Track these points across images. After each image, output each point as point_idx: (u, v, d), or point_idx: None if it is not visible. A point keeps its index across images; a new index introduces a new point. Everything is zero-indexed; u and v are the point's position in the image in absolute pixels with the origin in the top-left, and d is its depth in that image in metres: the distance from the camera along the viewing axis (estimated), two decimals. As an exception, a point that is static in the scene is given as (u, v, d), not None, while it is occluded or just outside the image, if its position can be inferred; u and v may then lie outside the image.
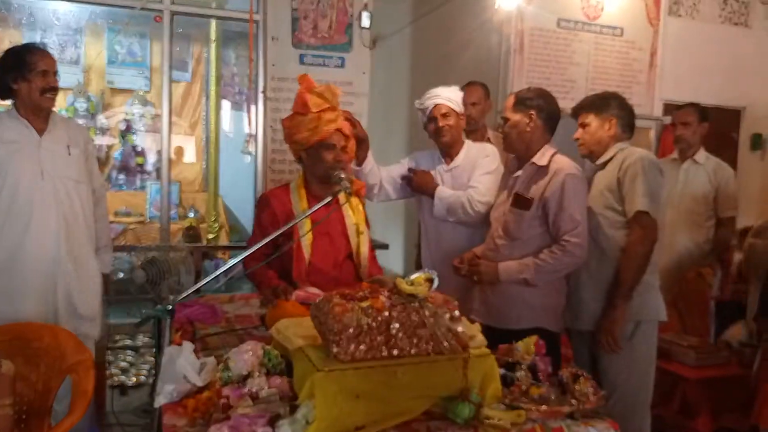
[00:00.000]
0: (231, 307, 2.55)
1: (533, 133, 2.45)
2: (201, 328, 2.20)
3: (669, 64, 5.39)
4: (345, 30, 4.26)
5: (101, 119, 6.60)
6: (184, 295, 1.74)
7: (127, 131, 6.63)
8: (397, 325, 1.50)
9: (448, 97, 2.80)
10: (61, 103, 6.22)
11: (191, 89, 6.95)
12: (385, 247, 4.34)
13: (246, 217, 6.73)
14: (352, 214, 2.53)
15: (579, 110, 2.64)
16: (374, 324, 1.48)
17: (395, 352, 1.50)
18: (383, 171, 2.87)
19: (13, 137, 2.60)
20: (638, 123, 2.72)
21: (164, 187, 4.20)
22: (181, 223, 6.31)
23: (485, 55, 5.04)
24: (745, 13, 5.76)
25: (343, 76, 4.26)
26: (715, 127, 4.35)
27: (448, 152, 2.88)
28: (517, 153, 2.55)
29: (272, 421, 1.42)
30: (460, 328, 1.57)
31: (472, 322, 1.82)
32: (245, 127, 7.04)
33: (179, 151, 6.89)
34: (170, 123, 4.16)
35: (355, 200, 2.54)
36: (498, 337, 1.93)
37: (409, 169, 2.90)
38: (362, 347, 1.47)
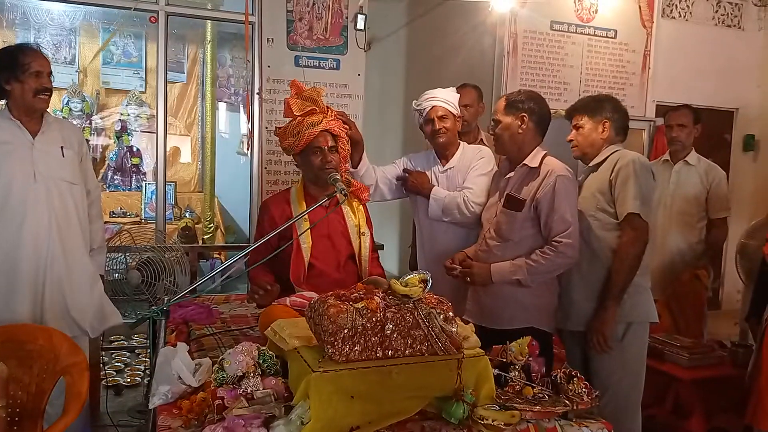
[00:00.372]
0: (226, 308, 2.56)
1: (525, 135, 2.47)
2: (196, 329, 2.19)
3: (662, 65, 5.41)
4: (340, 32, 4.26)
5: (96, 120, 6.60)
6: (179, 295, 1.75)
7: (123, 132, 6.63)
8: (391, 326, 1.51)
9: (446, 99, 2.81)
10: (55, 104, 6.20)
11: (187, 90, 6.96)
12: (380, 247, 4.34)
13: (242, 217, 6.74)
14: (352, 215, 2.53)
15: (573, 112, 2.65)
16: (369, 325, 1.48)
17: (390, 352, 1.51)
18: (378, 171, 2.88)
19: (6, 138, 2.57)
20: (631, 124, 2.73)
21: (160, 188, 4.19)
22: (176, 224, 6.32)
23: (479, 57, 5.06)
24: (738, 15, 5.79)
25: (338, 78, 4.27)
26: (708, 129, 4.38)
27: (444, 153, 2.89)
28: (508, 155, 2.57)
29: (267, 422, 1.42)
30: (454, 329, 1.57)
31: (466, 322, 1.83)
32: (240, 127, 7.09)
33: (175, 151, 6.89)
34: (166, 123, 4.16)
35: (355, 201, 2.54)
36: (491, 337, 1.94)
37: (405, 170, 2.91)
38: (357, 348, 1.47)
